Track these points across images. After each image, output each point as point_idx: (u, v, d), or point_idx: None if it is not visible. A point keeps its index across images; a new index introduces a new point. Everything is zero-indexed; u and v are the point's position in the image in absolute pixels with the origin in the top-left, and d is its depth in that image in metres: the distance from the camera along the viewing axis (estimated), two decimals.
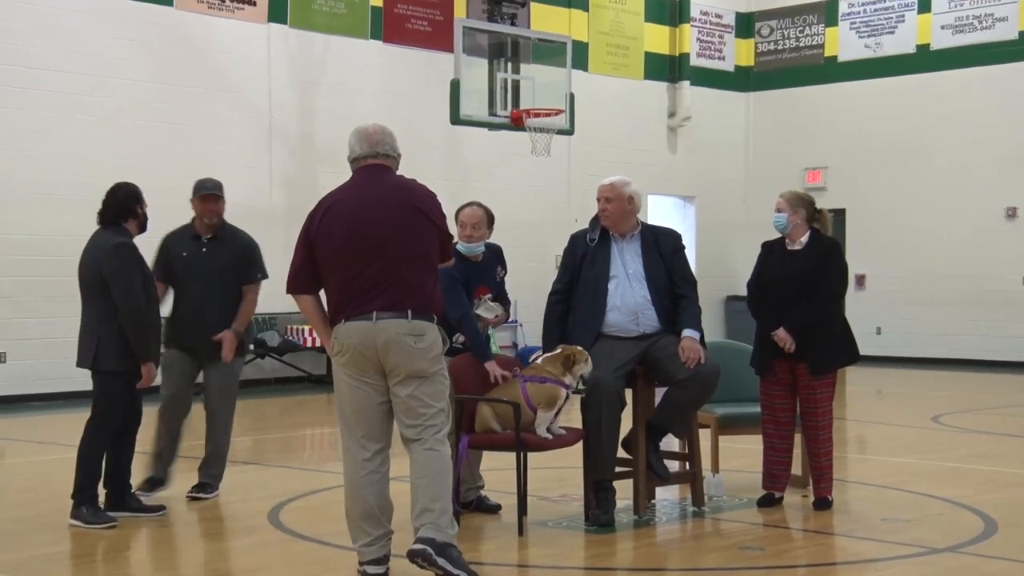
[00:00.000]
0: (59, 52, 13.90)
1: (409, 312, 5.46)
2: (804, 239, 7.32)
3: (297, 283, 5.69)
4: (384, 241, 5.50)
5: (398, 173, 5.74)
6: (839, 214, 19.79)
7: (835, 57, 20.13)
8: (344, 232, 5.53)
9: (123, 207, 6.98)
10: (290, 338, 15.42)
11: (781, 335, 7.16)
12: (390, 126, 5.68)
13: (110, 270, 6.74)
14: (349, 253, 5.51)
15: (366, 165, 5.70)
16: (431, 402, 5.52)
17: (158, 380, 7.20)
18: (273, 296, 15.70)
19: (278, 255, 15.73)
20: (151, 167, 14.36)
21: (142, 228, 7.09)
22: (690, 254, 7.09)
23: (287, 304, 15.39)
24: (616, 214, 6.99)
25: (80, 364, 6.96)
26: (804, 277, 7.19)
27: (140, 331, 6.78)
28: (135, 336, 6.76)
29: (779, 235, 7.43)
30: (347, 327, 5.50)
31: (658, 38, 19.83)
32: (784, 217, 7.30)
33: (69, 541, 6.52)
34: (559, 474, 7.93)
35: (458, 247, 6.88)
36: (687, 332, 6.88)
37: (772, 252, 7.45)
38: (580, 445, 6.89)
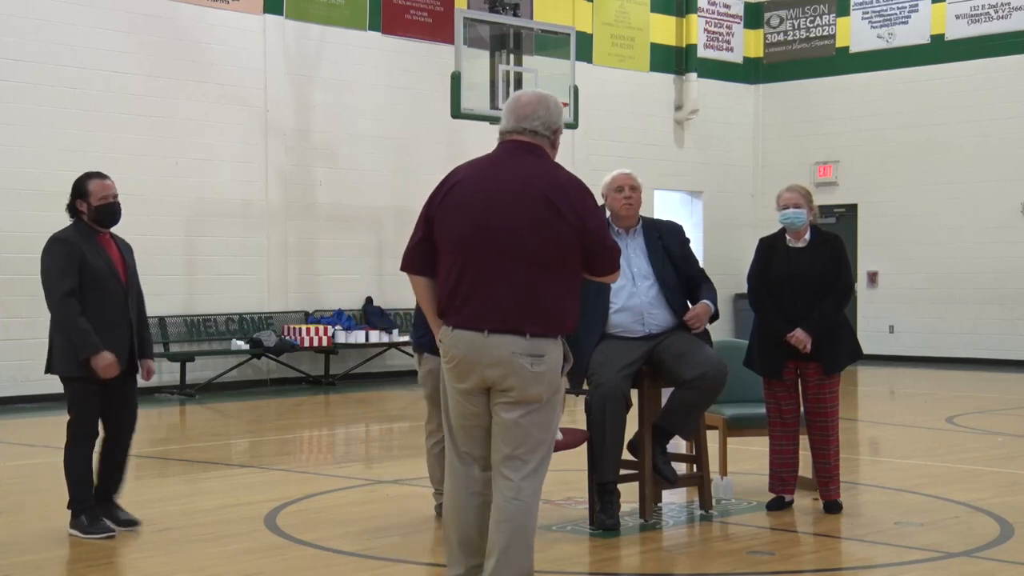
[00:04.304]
0: (46, 43, 13.66)
1: (527, 330, 4.72)
2: (807, 236, 7.23)
3: (412, 261, 4.93)
4: (505, 239, 4.70)
5: (555, 159, 4.93)
6: (851, 209, 19.58)
7: (847, 48, 19.86)
8: (462, 219, 4.78)
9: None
10: (287, 338, 15.33)
11: (800, 336, 7.02)
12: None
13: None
14: (464, 245, 4.76)
15: (507, 141, 4.91)
16: (537, 433, 4.82)
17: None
18: (271, 296, 15.67)
19: (275, 253, 15.68)
20: (141, 162, 14.14)
21: None
22: (697, 251, 7.10)
23: (284, 303, 15.45)
24: (638, 204, 6.96)
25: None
26: (815, 277, 7.11)
27: None
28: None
29: (776, 231, 7.30)
30: (455, 335, 4.78)
31: (664, 29, 19.66)
32: (803, 213, 7.20)
33: (64, 547, 6.46)
34: (563, 477, 7.82)
35: None
36: (705, 300, 6.88)
37: (775, 250, 7.29)
38: (584, 447, 6.81)
